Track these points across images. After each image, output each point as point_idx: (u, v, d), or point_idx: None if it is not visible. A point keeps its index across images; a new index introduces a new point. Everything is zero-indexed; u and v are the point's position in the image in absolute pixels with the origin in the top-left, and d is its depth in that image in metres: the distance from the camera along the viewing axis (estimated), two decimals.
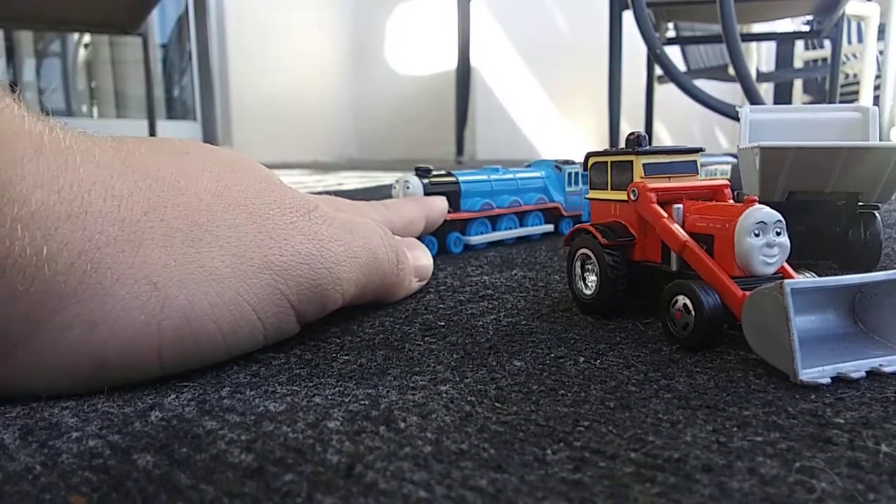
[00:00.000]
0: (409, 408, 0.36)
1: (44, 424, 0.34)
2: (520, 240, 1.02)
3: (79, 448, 0.32)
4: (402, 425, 0.34)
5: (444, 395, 0.39)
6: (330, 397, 0.38)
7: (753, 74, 2.67)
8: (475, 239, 0.91)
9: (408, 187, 0.86)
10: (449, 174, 0.92)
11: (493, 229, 0.95)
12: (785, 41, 3.44)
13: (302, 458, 0.30)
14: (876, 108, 0.77)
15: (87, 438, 0.33)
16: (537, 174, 1.02)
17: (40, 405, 0.38)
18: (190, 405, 0.37)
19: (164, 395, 0.40)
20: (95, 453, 0.31)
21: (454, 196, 0.90)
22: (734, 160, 1.34)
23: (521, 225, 0.99)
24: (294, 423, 0.34)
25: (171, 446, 0.32)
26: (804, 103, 3.47)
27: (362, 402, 0.37)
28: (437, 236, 0.88)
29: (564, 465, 0.30)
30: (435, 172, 0.90)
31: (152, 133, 2.45)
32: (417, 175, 0.88)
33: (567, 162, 1.06)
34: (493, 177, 0.96)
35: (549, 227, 1.02)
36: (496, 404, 0.37)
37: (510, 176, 0.99)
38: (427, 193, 0.86)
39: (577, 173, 1.05)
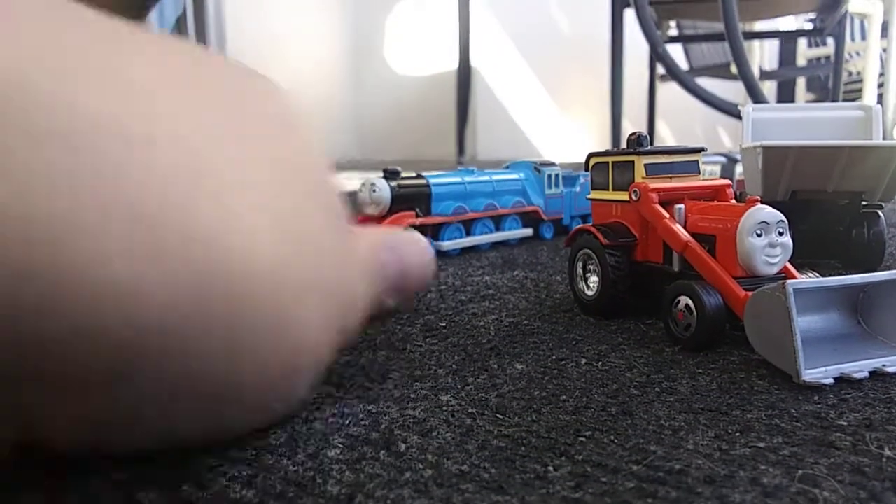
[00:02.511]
0: (410, 425, 0.36)
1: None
2: (498, 244, 0.97)
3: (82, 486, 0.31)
4: (403, 447, 0.33)
5: (445, 406, 0.38)
6: (330, 420, 0.37)
7: (756, 72, 2.67)
8: (447, 244, 0.87)
9: (374, 190, 0.82)
10: (419, 176, 0.88)
11: (468, 234, 0.91)
12: (788, 39, 3.43)
13: (303, 492, 0.30)
14: (879, 106, 0.76)
15: (90, 475, 0.32)
16: (515, 176, 0.99)
17: None
18: None
19: None
20: (98, 489, 0.30)
21: (425, 199, 0.87)
22: (723, 160, 1.33)
23: (498, 229, 0.95)
24: (294, 454, 0.33)
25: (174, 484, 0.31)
26: (808, 101, 3.46)
27: (362, 422, 0.37)
28: None
29: (566, 481, 0.30)
30: (404, 175, 0.86)
31: None
32: (385, 177, 0.84)
33: (547, 163, 1.03)
34: (467, 179, 0.92)
35: (528, 232, 0.98)
36: (497, 415, 0.37)
37: (486, 178, 0.95)
38: (395, 197, 0.83)
39: (556, 175, 1.02)
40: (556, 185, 1.02)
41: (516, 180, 0.99)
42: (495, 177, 0.96)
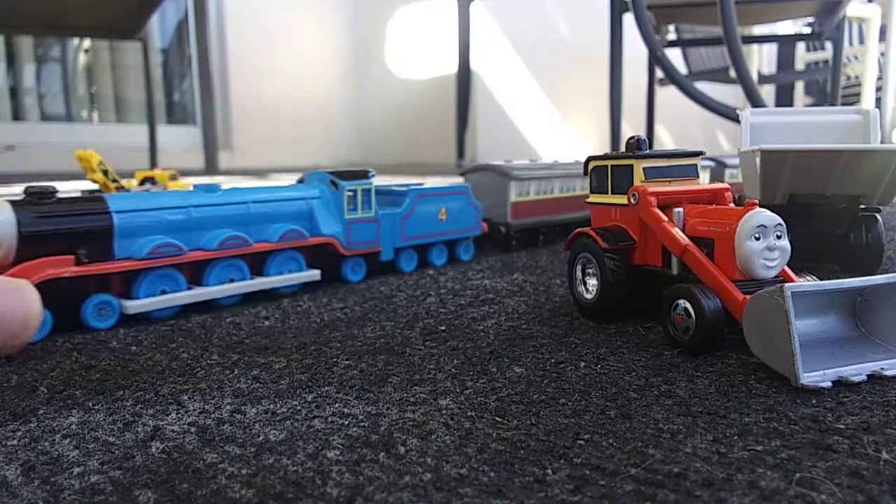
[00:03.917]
0: (409, 428, 0.36)
1: (45, 459, 0.34)
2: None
3: (80, 484, 0.31)
4: (402, 450, 0.34)
5: (445, 410, 0.38)
6: (330, 420, 0.38)
7: (755, 76, 2.67)
8: (144, 303, 0.59)
9: None
10: (93, 196, 0.60)
11: (197, 283, 0.64)
12: (786, 43, 3.44)
13: (302, 492, 0.30)
14: (877, 110, 0.76)
15: (89, 474, 0.32)
16: (295, 195, 0.71)
17: (41, 430, 0.38)
18: (190, 432, 0.36)
19: (165, 412, 0.39)
20: (97, 490, 0.31)
21: (100, 235, 0.58)
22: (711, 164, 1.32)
23: (262, 273, 0.69)
24: (294, 453, 0.34)
25: (172, 482, 0.31)
26: (806, 105, 3.47)
27: (362, 423, 0.37)
28: (56, 305, 0.55)
29: (565, 484, 0.30)
30: (65, 196, 0.58)
31: (152, 138, 2.45)
32: (24, 202, 0.56)
33: (354, 175, 0.75)
34: (192, 202, 0.64)
35: (312, 274, 0.71)
36: (496, 418, 0.37)
37: (235, 199, 0.67)
38: (30, 235, 0.55)
39: (365, 191, 0.75)
40: (366, 205, 0.76)
41: (296, 201, 0.71)
42: (254, 196, 0.68)
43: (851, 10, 2.29)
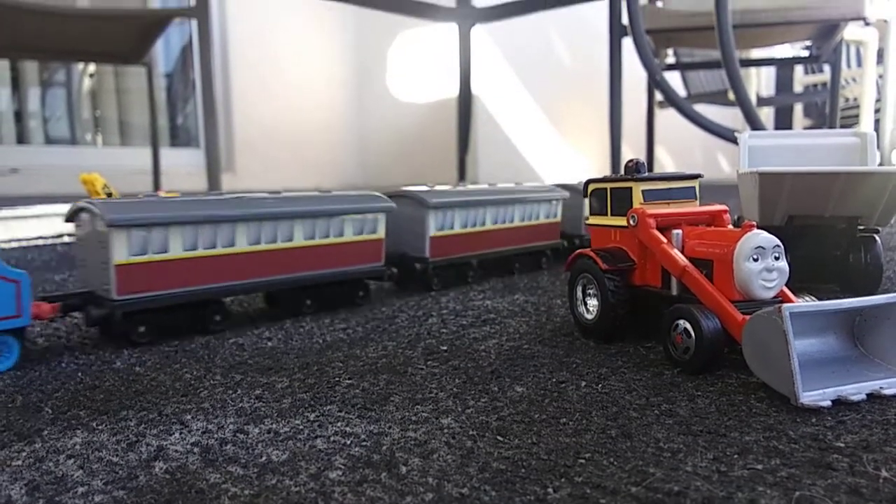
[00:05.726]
0: (411, 447, 0.36)
1: (50, 479, 0.34)
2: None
3: None
4: (404, 470, 0.34)
5: (446, 429, 0.39)
6: (332, 439, 0.38)
7: (754, 99, 2.69)
8: None
9: None
10: None
11: None
12: (784, 66, 3.47)
13: None
14: (874, 132, 0.77)
15: (93, 494, 0.32)
16: None
17: (46, 450, 0.38)
18: (193, 452, 0.37)
19: (168, 432, 0.40)
20: None
21: None
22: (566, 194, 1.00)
23: None
24: (296, 474, 0.34)
25: (176, 502, 0.31)
26: (805, 127, 3.49)
27: (364, 443, 0.37)
28: None
29: (566, 503, 0.30)
30: None
31: (156, 161, 2.46)
32: None
33: None
34: None
35: None
36: (498, 437, 0.37)
37: None
38: None
39: None
40: None
41: None
42: None
43: (849, 33, 2.31)
